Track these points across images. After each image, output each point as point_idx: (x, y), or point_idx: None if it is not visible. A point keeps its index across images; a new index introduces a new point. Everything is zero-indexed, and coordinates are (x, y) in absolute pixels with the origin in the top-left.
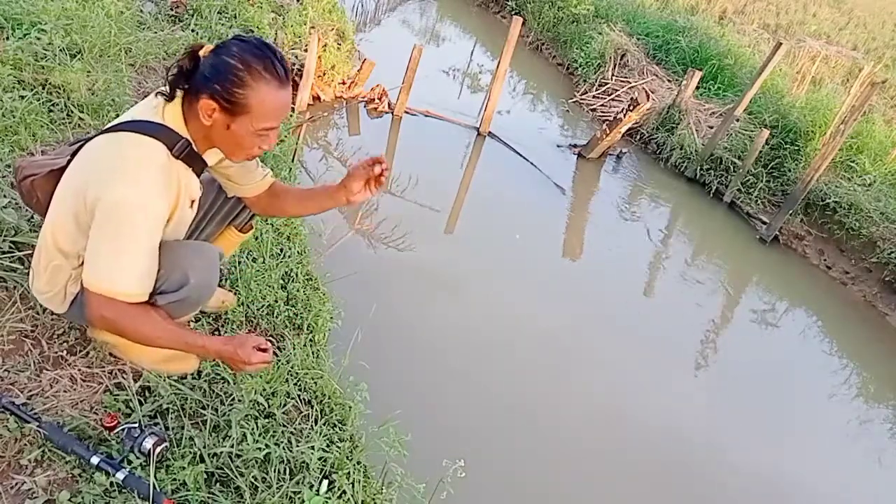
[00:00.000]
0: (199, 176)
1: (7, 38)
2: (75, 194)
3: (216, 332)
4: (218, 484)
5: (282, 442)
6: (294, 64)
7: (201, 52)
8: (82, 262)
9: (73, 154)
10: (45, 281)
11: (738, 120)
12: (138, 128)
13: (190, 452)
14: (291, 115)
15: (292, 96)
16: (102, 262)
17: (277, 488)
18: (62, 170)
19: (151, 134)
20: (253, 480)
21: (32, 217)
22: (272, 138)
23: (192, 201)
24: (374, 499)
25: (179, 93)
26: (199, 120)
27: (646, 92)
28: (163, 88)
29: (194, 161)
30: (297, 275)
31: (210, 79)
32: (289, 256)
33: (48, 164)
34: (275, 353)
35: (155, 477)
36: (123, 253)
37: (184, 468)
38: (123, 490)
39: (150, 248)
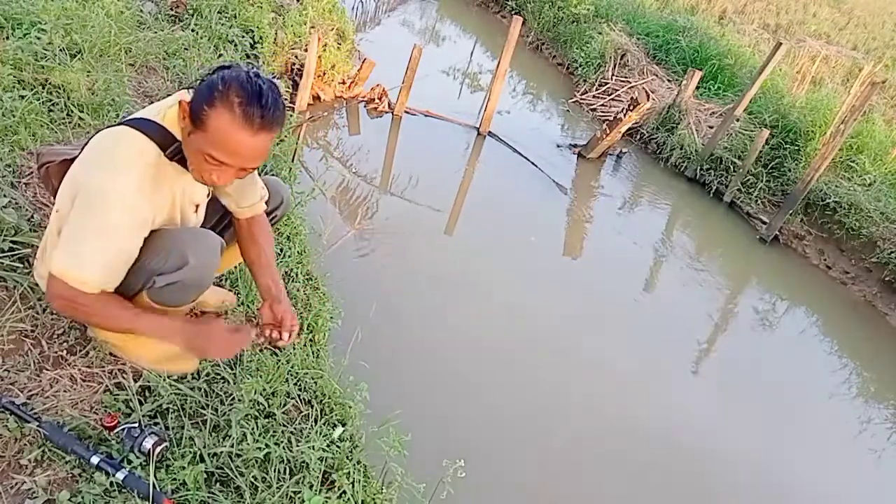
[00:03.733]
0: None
1: (7, 38)
2: (72, 182)
3: None
4: (218, 484)
5: (282, 442)
6: (294, 64)
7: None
8: None
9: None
10: (47, 266)
11: (738, 120)
12: (136, 124)
13: (190, 452)
14: (291, 124)
15: (292, 97)
16: (68, 247)
17: (277, 488)
18: (74, 160)
19: (145, 131)
20: (253, 480)
21: (32, 217)
22: (225, 175)
23: (197, 206)
24: (374, 499)
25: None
26: None
27: (646, 92)
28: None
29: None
30: (297, 275)
31: (198, 86)
32: (289, 256)
33: (63, 153)
34: (274, 354)
35: (155, 477)
36: (88, 241)
37: (184, 468)
38: (123, 490)
39: (121, 242)
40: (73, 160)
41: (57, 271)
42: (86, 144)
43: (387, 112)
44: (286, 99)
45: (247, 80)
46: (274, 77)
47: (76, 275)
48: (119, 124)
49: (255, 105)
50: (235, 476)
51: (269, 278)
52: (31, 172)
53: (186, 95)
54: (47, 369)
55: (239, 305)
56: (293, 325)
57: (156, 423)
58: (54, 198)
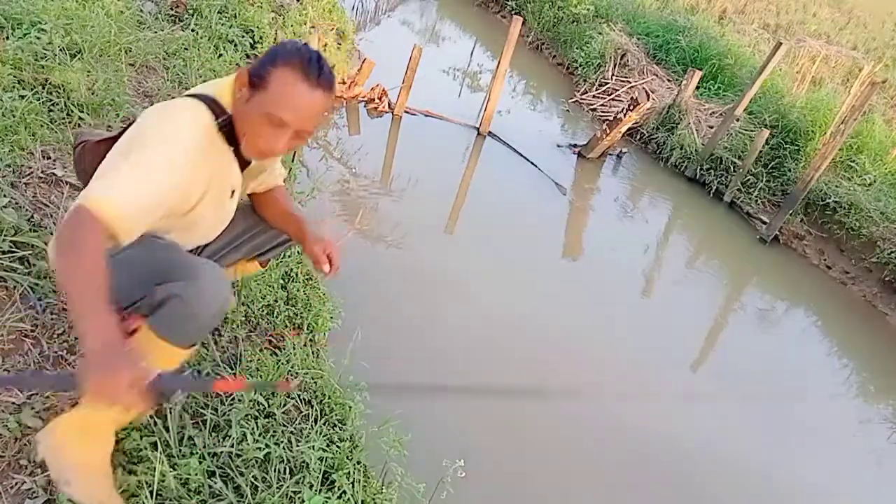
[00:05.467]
0: (242, 169)
1: (7, 38)
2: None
3: (216, 332)
4: (218, 483)
5: (282, 442)
6: None
7: None
8: None
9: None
10: None
11: (738, 120)
12: (192, 94)
13: (190, 452)
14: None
15: None
16: (103, 176)
17: (277, 488)
18: (114, 139)
19: (201, 100)
20: (253, 480)
21: (32, 217)
22: (281, 139)
23: (233, 191)
24: (374, 499)
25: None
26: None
27: (646, 92)
28: None
29: (235, 142)
30: (297, 275)
31: (257, 59)
32: (289, 256)
33: (103, 134)
34: (274, 354)
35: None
36: (125, 170)
37: (188, 463)
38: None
39: (158, 185)
40: (112, 139)
41: (83, 196)
42: (130, 124)
43: (387, 112)
44: None
45: (304, 46)
46: None
47: (101, 196)
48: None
49: (314, 63)
50: (236, 476)
51: (293, 226)
52: (31, 172)
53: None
54: (47, 369)
55: (239, 305)
56: (329, 253)
57: (155, 424)
58: (81, 179)
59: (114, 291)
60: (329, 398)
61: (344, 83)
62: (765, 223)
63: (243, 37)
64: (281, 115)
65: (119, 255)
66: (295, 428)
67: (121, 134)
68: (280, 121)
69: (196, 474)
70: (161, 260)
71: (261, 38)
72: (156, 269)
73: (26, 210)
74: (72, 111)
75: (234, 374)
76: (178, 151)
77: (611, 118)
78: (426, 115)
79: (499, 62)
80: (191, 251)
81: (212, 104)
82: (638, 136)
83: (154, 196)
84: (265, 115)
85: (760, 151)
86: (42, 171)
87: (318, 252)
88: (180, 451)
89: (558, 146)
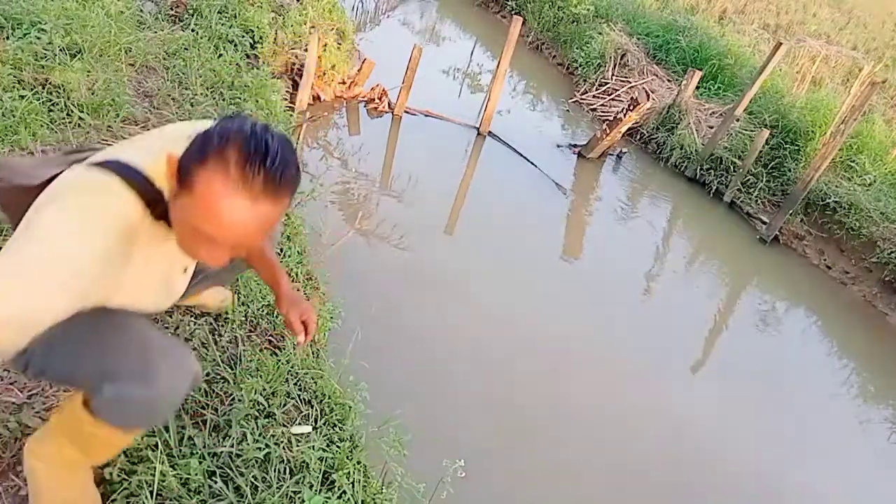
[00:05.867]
0: None
1: (7, 38)
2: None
3: (215, 332)
4: (218, 483)
5: (282, 442)
6: (294, 64)
7: None
8: None
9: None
10: None
11: (738, 120)
12: (122, 172)
13: (190, 452)
14: (291, 124)
15: (292, 97)
16: None
17: (277, 488)
18: (31, 190)
19: (132, 183)
20: (253, 480)
21: None
22: (216, 253)
23: (185, 268)
24: (374, 499)
25: None
26: None
27: (646, 92)
28: None
29: None
30: (297, 275)
31: (194, 139)
32: (289, 256)
33: (23, 173)
34: (274, 354)
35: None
36: (7, 273)
37: (188, 463)
38: None
39: (43, 300)
40: (31, 190)
41: None
42: (52, 177)
43: (387, 112)
44: (286, 99)
45: (250, 134)
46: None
47: None
48: (102, 162)
49: (258, 164)
50: (236, 476)
51: (266, 273)
52: None
53: (179, 141)
54: None
55: (239, 305)
56: (306, 319)
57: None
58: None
59: (53, 371)
60: (329, 398)
61: (344, 83)
62: (765, 223)
63: (243, 37)
64: (208, 231)
65: (58, 331)
66: None
67: (41, 186)
68: (208, 236)
69: (196, 474)
70: (109, 345)
71: (261, 38)
72: (103, 357)
73: None
74: (72, 111)
75: (234, 374)
76: (84, 258)
77: (611, 118)
78: (426, 115)
79: (499, 62)
80: None
81: (143, 185)
82: (638, 136)
83: (38, 312)
84: (192, 226)
85: (760, 151)
86: None
87: (294, 319)
88: (180, 451)
89: (558, 146)
